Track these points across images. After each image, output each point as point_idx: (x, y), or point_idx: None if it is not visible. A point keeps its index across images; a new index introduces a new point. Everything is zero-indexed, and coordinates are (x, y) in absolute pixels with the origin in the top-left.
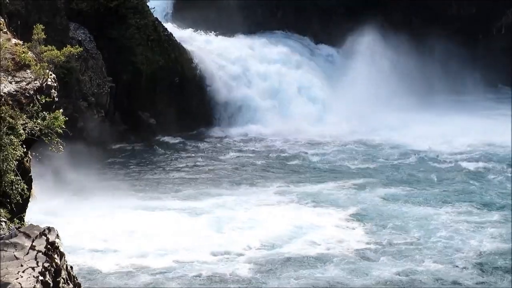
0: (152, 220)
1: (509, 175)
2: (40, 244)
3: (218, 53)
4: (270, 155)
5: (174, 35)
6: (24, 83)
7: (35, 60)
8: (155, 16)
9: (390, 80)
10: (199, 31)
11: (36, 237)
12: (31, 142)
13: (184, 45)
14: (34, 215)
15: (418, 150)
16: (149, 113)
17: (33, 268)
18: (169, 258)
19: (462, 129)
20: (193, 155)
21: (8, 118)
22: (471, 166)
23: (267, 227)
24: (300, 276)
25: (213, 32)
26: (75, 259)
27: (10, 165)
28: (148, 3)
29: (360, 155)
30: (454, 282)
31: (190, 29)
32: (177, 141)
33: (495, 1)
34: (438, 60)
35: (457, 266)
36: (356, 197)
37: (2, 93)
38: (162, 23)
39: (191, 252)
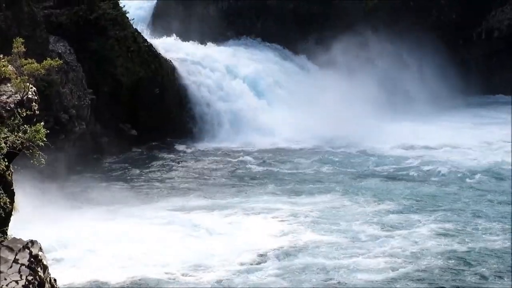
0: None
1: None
2: (23, 258)
3: (198, 64)
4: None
5: (154, 46)
6: (4, 96)
7: (15, 73)
8: (135, 27)
9: (366, 88)
10: (179, 40)
11: (19, 251)
12: (12, 155)
13: (164, 56)
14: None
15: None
16: (130, 124)
17: (16, 282)
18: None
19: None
20: (173, 166)
21: None
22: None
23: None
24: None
25: (194, 41)
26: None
27: None
28: (127, 15)
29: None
30: None
31: (170, 38)
32: (158, 152)
33: (475, 7)
34: (417, 66)
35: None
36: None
37: None
38: (142, 33)
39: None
